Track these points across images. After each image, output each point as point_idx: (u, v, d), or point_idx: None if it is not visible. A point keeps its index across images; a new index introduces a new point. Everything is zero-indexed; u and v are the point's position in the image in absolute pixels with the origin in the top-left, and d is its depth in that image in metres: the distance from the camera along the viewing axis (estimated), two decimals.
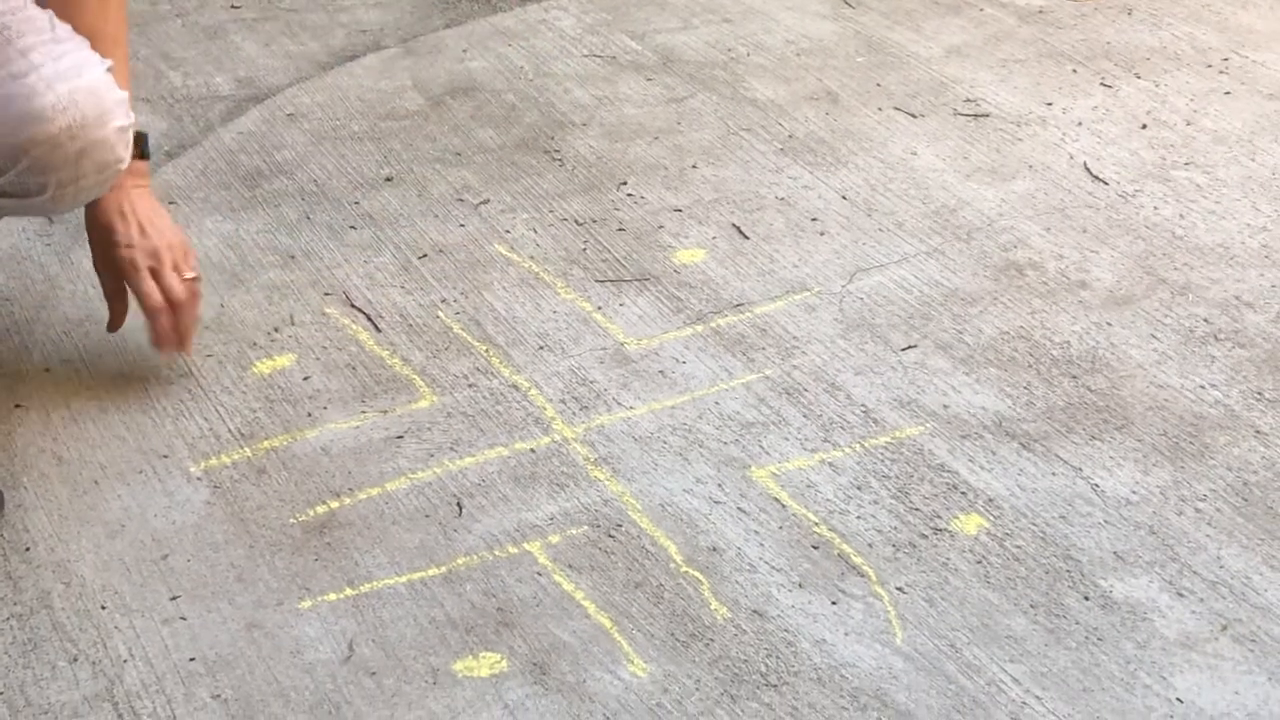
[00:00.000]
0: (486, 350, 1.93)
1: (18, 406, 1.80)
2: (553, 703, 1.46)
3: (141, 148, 1.86)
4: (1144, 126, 2.36)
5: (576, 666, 1.49)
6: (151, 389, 1.88)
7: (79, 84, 1.72)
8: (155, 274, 1.83)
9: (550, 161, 2.33)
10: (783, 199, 2.22)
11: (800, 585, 1.57)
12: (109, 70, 1.73)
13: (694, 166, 2.30)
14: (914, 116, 2.41)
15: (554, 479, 1.72)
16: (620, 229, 2.16)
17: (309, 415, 1.83)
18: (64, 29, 1.75)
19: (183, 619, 1.57)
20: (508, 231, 2.14)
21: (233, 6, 2.81)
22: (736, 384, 1.85)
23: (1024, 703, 1.44)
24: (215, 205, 2.17)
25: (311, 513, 1.69)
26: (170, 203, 2.25)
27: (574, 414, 1.82)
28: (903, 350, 1.90)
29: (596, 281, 2.04)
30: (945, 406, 1.81)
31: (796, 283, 2.03)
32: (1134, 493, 1.67)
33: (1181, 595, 1.54)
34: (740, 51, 2.62)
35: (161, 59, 2.15)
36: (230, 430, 1.81)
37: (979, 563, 1.59)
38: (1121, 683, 1.45)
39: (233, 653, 1.52)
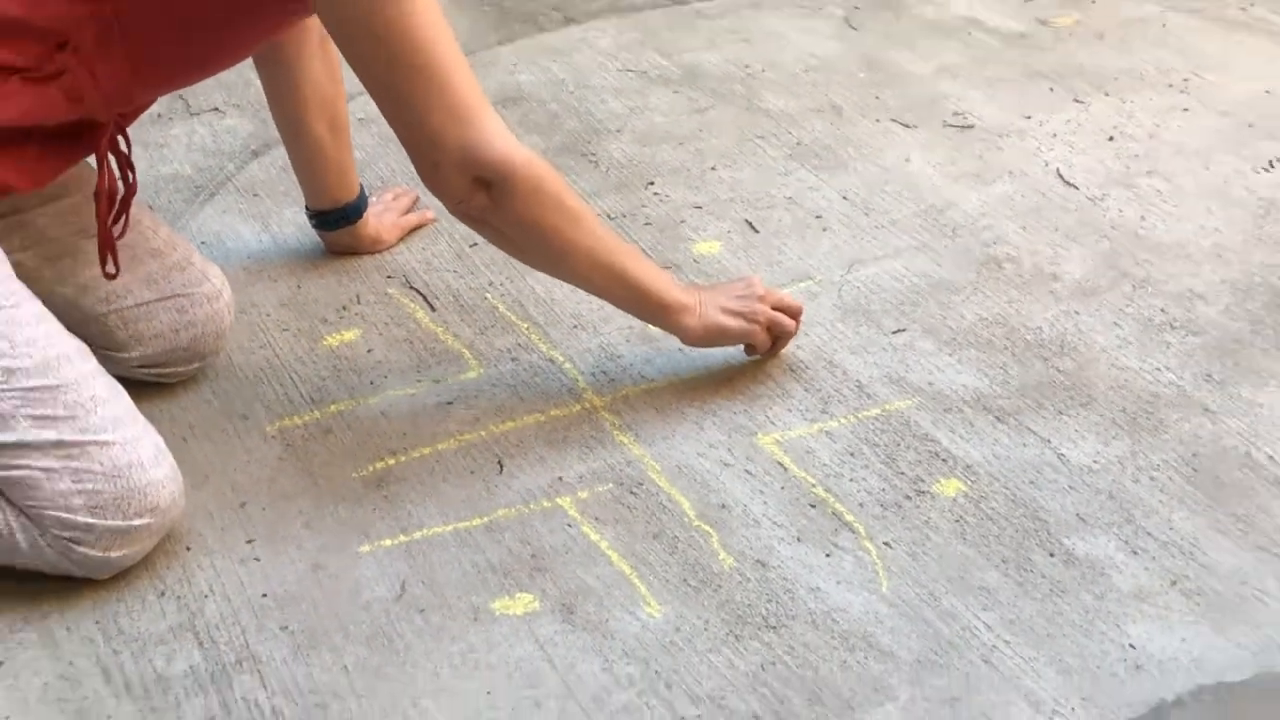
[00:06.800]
0: (527, 328, 1.91)
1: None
2: (579, 639, 1.44)
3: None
4: (1111, 138, 2.32)
5: (600, 607, 1.48)
6: (235, 359, 1.87)
7: (222, 277, 1.83)
8: None
9: (587, 163, 2.31)
10: (790, 198, 2.19)
11: (798, 539, 1.55)
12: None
13: (713, 169, 2.28)
14: (908, 127, 2.38)
15: (584, 442, 1.70)
16: (647, 223, 2.14)
17: (371, 383, 1.82)
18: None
19: (257, 560, 1.56)
20: None
21: None
22: (745, 361, 1.82)
23: (994, 646, 1.42)
24: (294, 198, 2.16)
25: (371, 468, 1.68)
26: (254, 194, 2.24)
27: (603, 385, 1.80)
28: (893, 333, 1.87)
29: None
30: (930, 383, 1.78)
31: (801, 272, 2.01)
32: (1095, 462, 1.64)
33: (1136, 554, 1.52)
34: (756, 68, 2.59)
35: (249, 68, 2.15)
36: (302, 395, 1.80)
37: (957, 522, 1.57)
38: (1081, 630, 1.43)
39: (300, 590, 1.51)
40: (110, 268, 1.68)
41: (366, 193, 2.06)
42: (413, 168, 1.59)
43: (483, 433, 1.73)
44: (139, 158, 2.37)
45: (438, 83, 1.51)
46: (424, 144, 1.55)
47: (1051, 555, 1.52)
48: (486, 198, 1.58)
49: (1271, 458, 1.64)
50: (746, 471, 1.65)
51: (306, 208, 2.05)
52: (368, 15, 1.49)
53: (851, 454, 1.67)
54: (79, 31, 1.49)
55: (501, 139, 1.55)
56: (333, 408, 1.78)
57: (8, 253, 1.56)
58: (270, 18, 1.62)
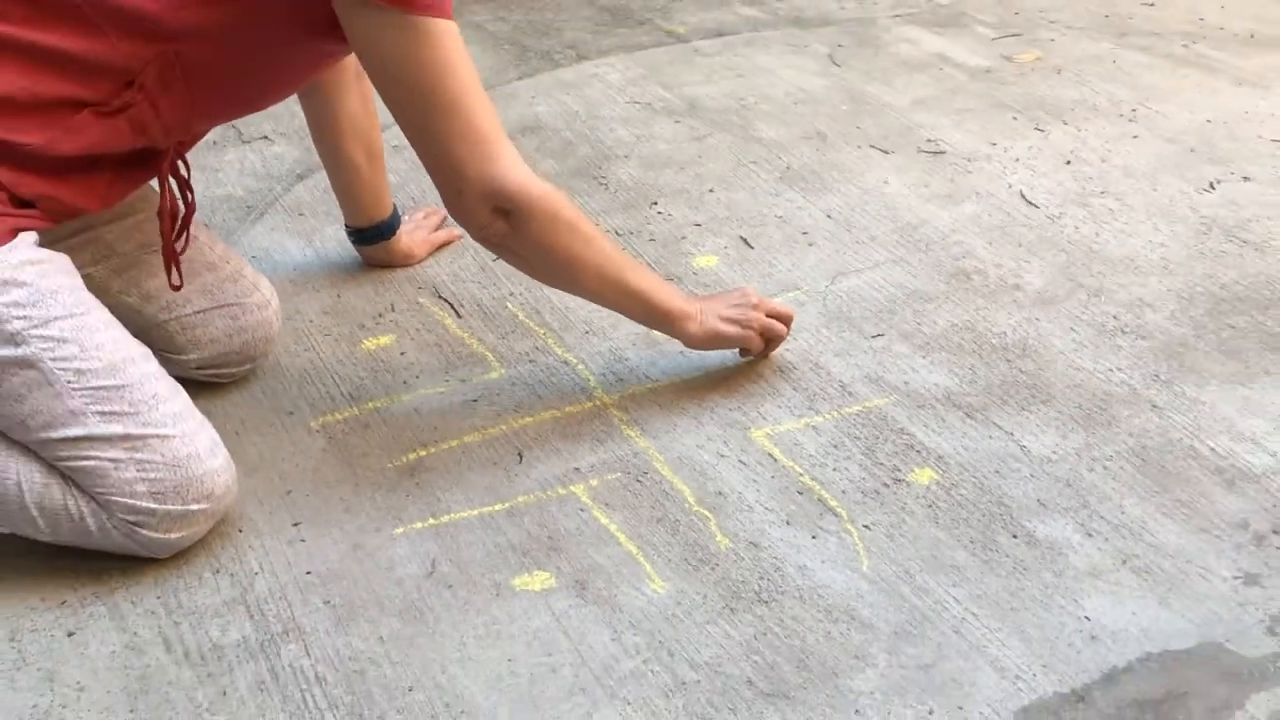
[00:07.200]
0: (544, 334, 1.92)
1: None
2: (590, 612, 1.45)
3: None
4: (1068, 162, 2.32)
5: (610, 584, 1.48)
6: (282, 361, 1.88)
7: (270, 286, 1.83)
8: None
9: (598, 185, 2.31)
10: (780, 217, 2.19)
11: (787, 523, 1.56)
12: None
13: (711, 191, 2.28)
14: (886, 153, 2.38)
15: (595, 435, 1.71)
16: (652, 239, 2.15)
17: (404, 382, 1.83)
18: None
19: (302, 541, 1.56)
20: None
21: None
22: (740, 363, 1.83)
23: (963, 619, 1.42)
24: (335, 217, 2.17)
25: (404, 459, 1.69)
26: (299, 214, 2.25)
27: (611, 385, 1.80)
28: (873, 338, 1.88)
29: None
30: (906, 383, 1.79)
31: (790, 283, 2.01)
32: (1054, 453, 1.65)
33: (1090, 535, 1.52)
34: (750, 100, 2.60)
35: (294, 101, 2.16)
36: (342, 393, 1.81)
37: (930, 507, 1.57)
38: (1041, 604, 1.44)
39: (340, 568, 1.52)
40: (175, 279, 1.69)
41: (399, 212, 2.07)
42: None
43: (504, 427, 1.74)
44: (196, 181, 2.38)
45: (462, 122, 1.52)
46: (449, 175, 1.56)
47: (1015, 537, 1.53)
48: (506, 225, 1.58)
49: (1213, 449, 1.64)
50: (741, 462, 1.66)
51: (345, 225, 2.06)
52: (401, 60, 1.50)
53: (835, 446, 1.68)
54: (145, 71, 1.50)
55: (518, 172, 1.56)
56: (370, 404, 1.79)
57: (80, 267, 1.57)
58: (313, 58, 1.63)
